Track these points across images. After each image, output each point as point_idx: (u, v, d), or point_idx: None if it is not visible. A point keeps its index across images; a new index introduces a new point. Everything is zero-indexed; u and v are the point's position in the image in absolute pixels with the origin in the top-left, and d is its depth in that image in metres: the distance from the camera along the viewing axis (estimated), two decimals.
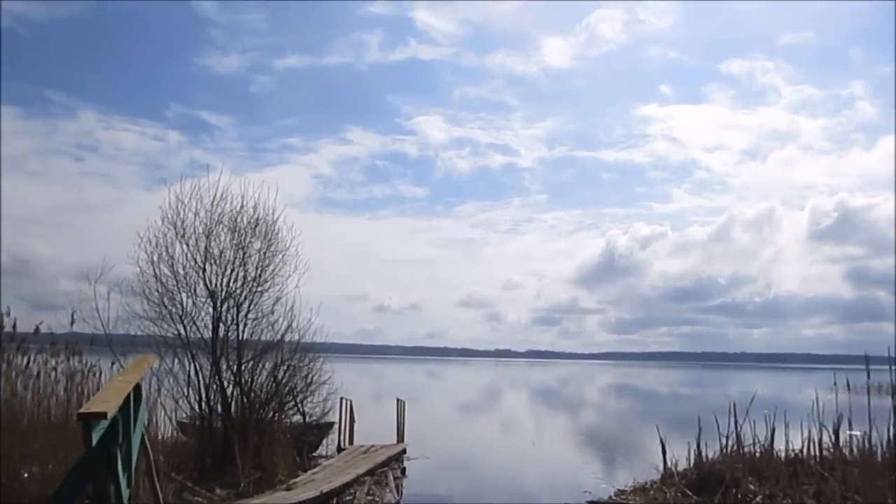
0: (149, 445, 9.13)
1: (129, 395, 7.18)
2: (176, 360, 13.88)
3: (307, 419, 15.64)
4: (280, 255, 14.51)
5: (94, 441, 5.67)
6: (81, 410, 5.63)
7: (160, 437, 14.34)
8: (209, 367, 13.93)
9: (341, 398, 17.06)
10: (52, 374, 11.65)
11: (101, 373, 12.33)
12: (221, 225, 14.27)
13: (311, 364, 14.84)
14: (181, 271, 14.12)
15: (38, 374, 11.44)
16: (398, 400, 18.07)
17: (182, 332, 14.01)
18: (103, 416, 5.54)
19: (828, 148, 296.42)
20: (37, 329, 11.90)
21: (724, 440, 13.12)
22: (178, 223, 14.13)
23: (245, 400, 14.05)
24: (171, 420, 14.34)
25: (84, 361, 12.24)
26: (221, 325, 14.10)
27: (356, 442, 17.75)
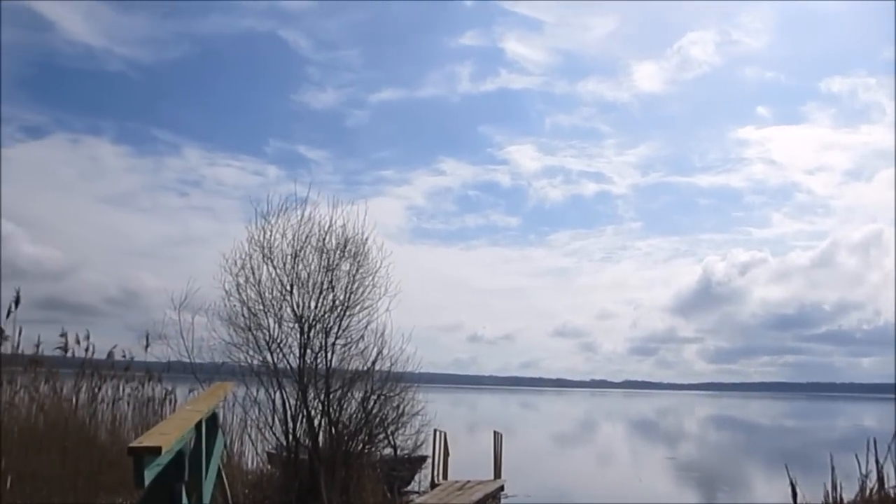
0: (226, 480, 8.38)
1: (200, 425, 6.47)
2: (261, 389, 13.22)
3: (399, 452, 14.69)
4: (370, 277, 13.71)
5: (150, 478, 4.93)
6: (133, 444, 4.84)
7: (245, 468, 13.73)
8: (296, 396, 13.20)
9: (435, 430, 16.09)
10: (127, 400, 11.11)
11: (175, 400, 11.74)
12: (309, 246, 13.61)
13: (403, 394, 13.90)
14: (268, 295, 13.51)
15: (114, 400, 10.90)
16: (495, 433, 16.99)
17: (269, 358, 13.36)
18: (157, 451, 4.72)
19: None
20: (110, 354, 11.43)
21: (862, 480, 11.49)
22: (265, 244, 13.54)
23: (333, 431, 13.24)
24: (257, 451, 13.69)
25: (162, 388, 11.70)
26: (309, 351, 13.37)
27: (451, 477, 16.72)
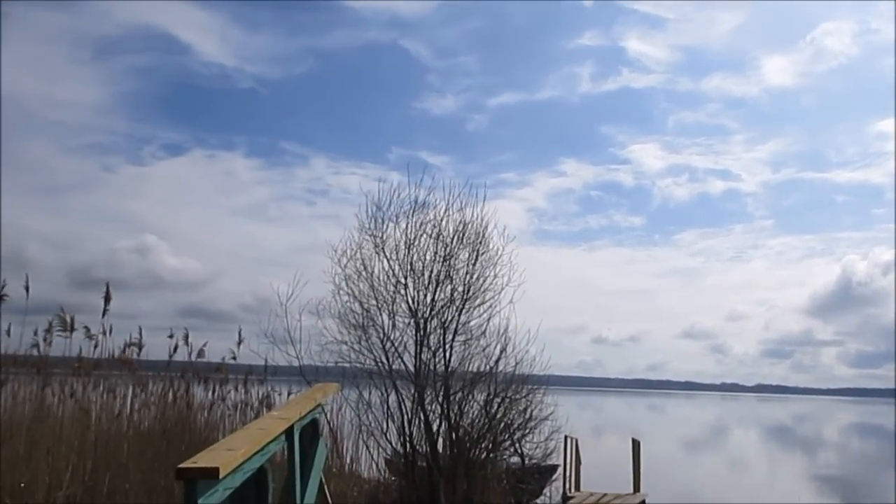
0: (329, 494, 7.22)
1: (291, 434, 5.32)
2: (374, 391, 12.12)
3: (526, 461, 13.20)
4: (491, 266, 12.34)
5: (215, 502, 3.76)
6: (183, 465, 3.64)
7: (362, 477, 12.68)
8: (412, 399, 12.00)
9: (566, 437, 14.56)
10: (220, 405, 10.19)
11: (272, 405, 10.76)
12: (424, 234, 12.38)
13: (531, 397, 12.43)
14: (381, 289, 12.38)
15: (210, 406, 10.01)
16: (634, 440, 15.30)
17: (383, 358, 12.22)
18: (214, 473, 3.50)
19: None
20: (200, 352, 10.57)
21: None
22: (378, 234, 12.42)
23: (453, 437, 11.95)
24: (373, 457, 12.57)
25: (259, 391, 10.76)
26: (425, 349, 12.14)
27: (583, 488, 15.16)
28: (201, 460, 3.62)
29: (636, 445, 15.25)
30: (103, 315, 9.73)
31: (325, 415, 11.67)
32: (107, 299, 9.61)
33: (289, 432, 5.41)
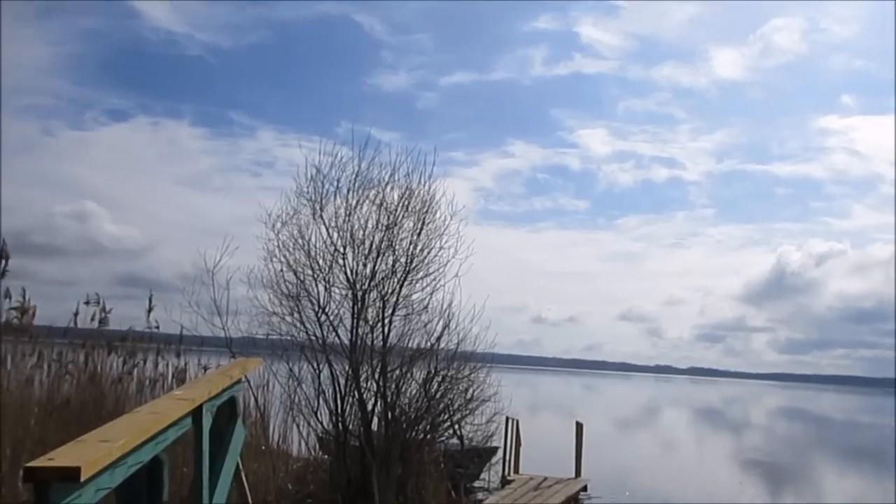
0: (246, 480, 6.47)
1: (199, 417, 4.58)
2: (306, 366, 11.31)
3: (466, 444, 12.59)
4: (437, 238, 11.58)
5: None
6: (34, 463, 2.84)
7: (291, 456, 11.91)
8: (346, 376, 11.24)
9: (507, 418, 13.99)
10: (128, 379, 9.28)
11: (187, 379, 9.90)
12: (367, 200, 11.57)
13: (473, 376, 11.75)
14: (318, 258, 11.53)
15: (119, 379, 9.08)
16: (577, 424, 14.79)
17: (317, 331, 11.42)
18: (73, 476, 2.71)
19: None
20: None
21: None
22: (316, 198, 11.56)
23: (389, 417, 11.24)
24: (303, 436, 11.79)
25: (175, 364, 9.88)
26: (363, 322, 11.36)
27: (522, 470, 14.64)
28: (60, 457, 2.82)
29: (579, 429, 14.76)
30: (2, 276, 8.69)
31: (251, 391, 10.88)
32: (5, 258, 8.58)
33: (196, 414, 4.66)
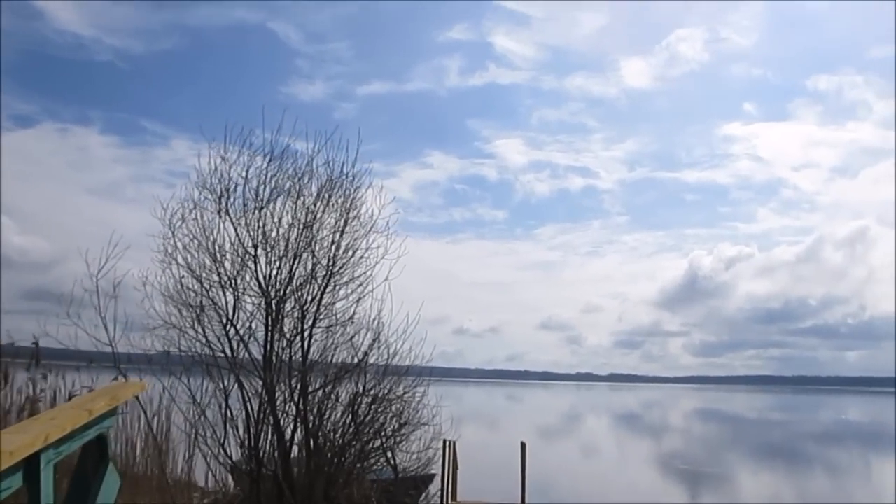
0: None
1: (33, 467, 2.97)
2: (211, 386, 9.61)
3: (400, 474, 10.97)
4: (363, 236, 10.04)
5: None
6: None
7: (198, 488, 10.20)
8: (259, 398, 9.59)
9: (444, 440, 12.48)
10: None
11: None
12: (282, 194, 9.95)
13: (408, 395, 10.16)
14: (224, 261, 9.85)
15: None
16: (521, 444, 13.35)
17: (225, 347, 9.73)
18: None
19: None
20: None
21: None
22: (222, 190, 9.87)
23: (311, 446, 9.63)
24: (209, 466, 10.05)
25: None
26: (278, 335, 9.73)
27: (461, 497, 13.15)
28: None
29: (523, 450, 13.33)
30: None
31: (146, 416, 9.14)
32: None
33: (29, 468, 3.07)
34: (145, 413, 9.47)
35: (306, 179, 9.87)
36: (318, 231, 9.85)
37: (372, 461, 10.21)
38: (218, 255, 9.82)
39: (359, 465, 9.92)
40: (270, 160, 9.82)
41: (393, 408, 9.97)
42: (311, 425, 9.66)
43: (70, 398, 8.53)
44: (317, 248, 9.84)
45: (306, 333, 9.82)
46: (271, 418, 9.53)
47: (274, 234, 9.85)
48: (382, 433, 9.98)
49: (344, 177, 9.89)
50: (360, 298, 9.96)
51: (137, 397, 9.02)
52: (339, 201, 9.90)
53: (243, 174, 9.88)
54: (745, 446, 34.63)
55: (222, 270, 9.79)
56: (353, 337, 9.98)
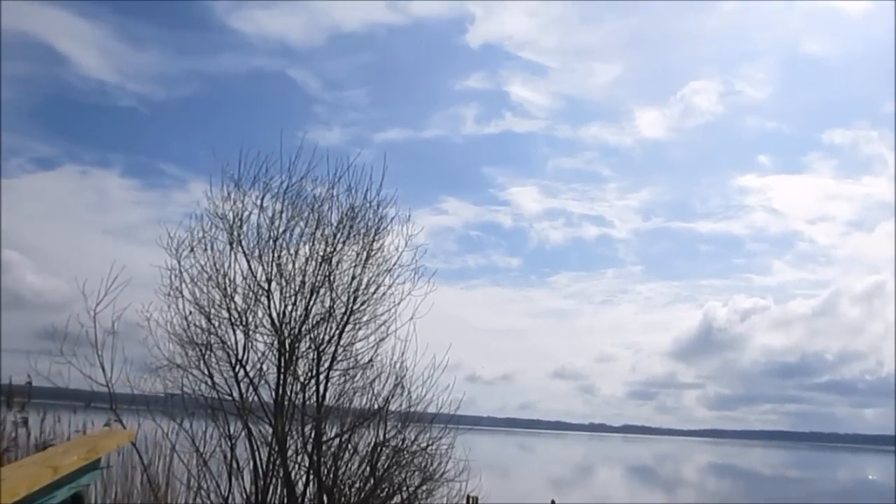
0: None
1: None
2: (215, 433, 8.72)
3: None
4: (386, 272, 9.21)
5: None
6: None
7: None
8: (269, 447, 8.69)
9: (468, 496, 11.49)
10: None
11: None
12: (298, 223, 9.16)
13: (434, 448, 9.19)
14: (236, 296, 9.02)
15: None
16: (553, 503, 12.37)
17: (233, 389, 8.87)
18: None
19: None
20: None
21: None
22: (234, 218, 9.09)
23: (325, 501, 8.69)
24: None
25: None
26: (291, 379, 8.86)
27: None
28: None
29: None
30: None
31: (142, 465, 8.24)
32: None
33: None
34: (142, 461, 8.58)
35: (326, 208, 9.05)
36: (337, 265, 9.02)
37: None
38: (228, 290, 9.00)
39: None
40: (288, 188, 9.05)
41: (416, 461, 9.00)
42: (324, 478, 8.74)
43: (44, 447, 7.63)
44: (336, 283, 9.01)
45: (322, 376, 8.95)
46: (281, 470, 8.62)
47: (290, 267, 9.04)
48: (405, 488, 9.02)
49: (367, 204, 9.07)
50: (381, 339, 9.10)
51: (134, 443, 8.16)
52: (362, 232, 9.08)
53: (258, 203, 9.13)
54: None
55: (232, 306, 8.97)
56: (373, 381, 9.08)
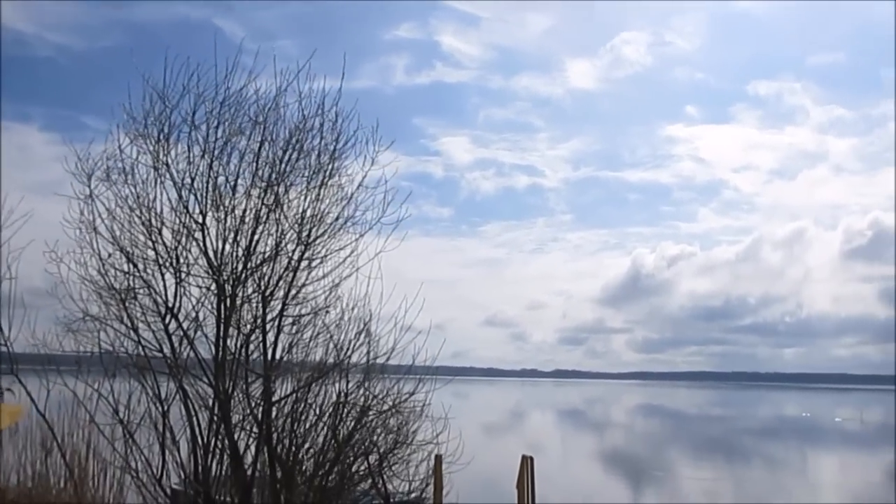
0: None
1: None
2: (144, 396, 7.22)
3: (393, 499, 8.61)
4: (343, 199, 7.72)
5: None
6: None
7: None
8: (207, 411, 7.24)
9: (437, 456, 10.26)
10: None
11: None
12: (240, 140, 7.58)
13: (408, 406, 7.79)
14: (165, 232, 7.45)
15: None
16: (524, 458, 11.24)
17: (164, 344, 7.36)
18: None
19: (858, 168, 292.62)
20: None
21: None
22: (160, 135, 7.47)
23: (276, 470, 7.34)
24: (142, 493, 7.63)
25: None
26: (234, 330, 7.38)
27: None
28: None
29: (526, 464, 11.19)
30: None
31: (55, 438, 6.74)
32: None
33: None
34: (54, 436, 7.06)
35: (271, 122, 7.49)
36: (286, 191, 7.51)
37: (356, 484, 7.86)
38: (155, 224, 7.43)
39: (342, 493, 7.58)
40: (225, 99, 7.45)
41: (387, 421, 7.64)
42: (276, 445, 7.36)
43: None
44: (285, 215, 7.51)
45: (270, 325, 7.48)
46: (225, 438, 7.19)
47: (229, 196, 7.51)
48: (374, 452, 7.65)
49: (323, 115, 7.52)
50: (341, 280, 7.67)
51: (43, 414, 6.63)
52: (317, 151, 7.56)
53: (188, 118, 7.52)
54: (686, 441, 35.85)
55: (160, 243, 7.40)
56: (332, 328, 7.66)
